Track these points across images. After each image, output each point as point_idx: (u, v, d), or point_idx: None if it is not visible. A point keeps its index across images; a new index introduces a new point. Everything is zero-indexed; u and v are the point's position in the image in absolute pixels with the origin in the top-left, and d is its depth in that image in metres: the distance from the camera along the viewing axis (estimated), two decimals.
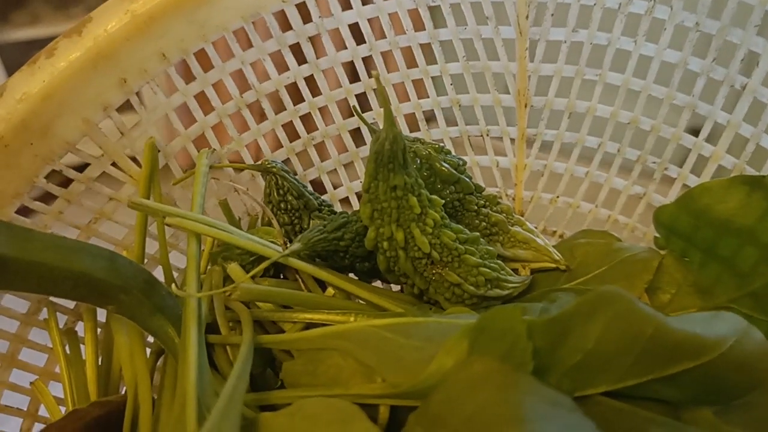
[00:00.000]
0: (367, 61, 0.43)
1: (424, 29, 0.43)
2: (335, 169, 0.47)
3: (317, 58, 0.42)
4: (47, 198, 0.37)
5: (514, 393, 0.23)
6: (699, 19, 0.37)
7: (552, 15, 0.41)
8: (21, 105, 0.34)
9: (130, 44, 0.36)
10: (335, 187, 0.47)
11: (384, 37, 0.43)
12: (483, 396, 0.23)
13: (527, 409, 0.22)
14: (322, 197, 0.43)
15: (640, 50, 0.40)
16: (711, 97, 0.39)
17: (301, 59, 0.42)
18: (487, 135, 0.46)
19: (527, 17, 0.41)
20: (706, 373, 0.25)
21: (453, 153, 0.41)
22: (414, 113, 0.46)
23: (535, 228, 0.42)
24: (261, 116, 0.43)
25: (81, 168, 0.38)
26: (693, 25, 0.37)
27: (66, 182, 0.37)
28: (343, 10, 0.41)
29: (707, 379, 0.25)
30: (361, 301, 0.37)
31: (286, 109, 0.44)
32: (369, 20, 0.42)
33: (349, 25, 0.42)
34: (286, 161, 0.44)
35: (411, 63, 0.44)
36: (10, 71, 1.40)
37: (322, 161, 0.46)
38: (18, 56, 1.52)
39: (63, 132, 0.36)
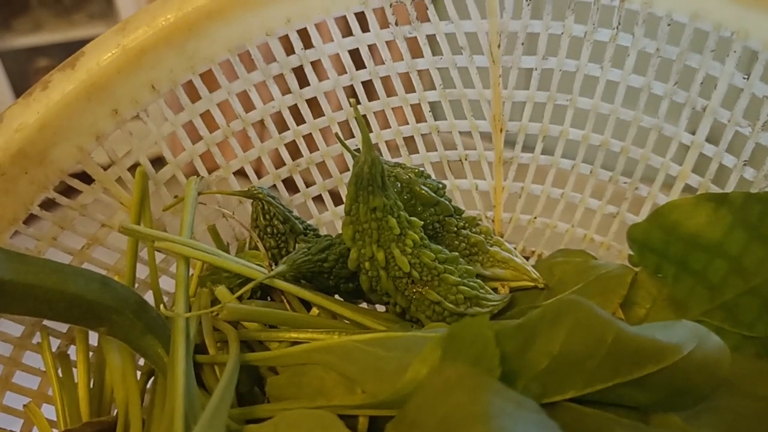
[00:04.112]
0: (349, 90, 0.45)
1: (402, 59, 0.45)
2: (320, 195, 0.48)
3: (300, 88, 0.44)
4: (42, 223, 0.39)
5: (483, 394, 0.23)
6: (659, 45, 0.39)
7: (522, 44, 0.43)
8: (18, 135, 0.35)
9: (121, 77, 0.38)
10: (320, 212, 0.49)
11: (364, 67, 0.45)
12: (454, 399, 0.24)
13: (494, 408, 0.23)
14: (308, 222, 0.45)
15: (606, 76, 0.42)
16: (675, 118, 0.41)
17: (285, 89, 0.44)
18: (466, 159, 0.48)
19: (499, 46, 0.43)
20: (669, 376, 0.26)
21: (433, 177, 0.42)
22: (395, 139, 0.47)
23: (515, 248, 0.43)
24: (247, 144, 0.45)
25: (74, 193, 0.39)
26: (654, 51, 0.39)
27: (59, 208, 0.39)
28: (325, 42, 0.43)
29: (671, 382, 0.26)
30: (345, 321, 0.38)
31: (271, 137, 0.45)
32: (349, 51, 0.44)
33: (331, 57, 0.44)
34: (273, 187, 0.46)
35: (390, 91, 0.46)
36: (12, 78, 1.42)
37: (307, 187, 0.48)
38: (20, 63, 1.53)
39: (58, 160, 0.37)
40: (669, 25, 0.38)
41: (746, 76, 0.37)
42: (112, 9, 1.55)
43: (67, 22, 1.63)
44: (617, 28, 0.40)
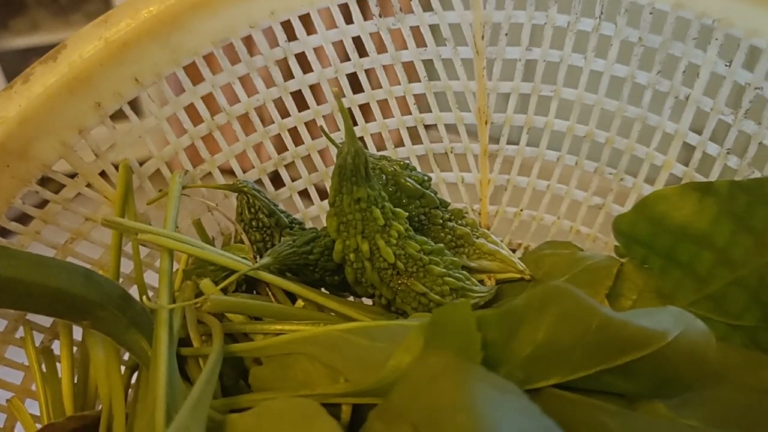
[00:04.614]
0: (334, 82, 0.45)
1: (387, 51, 0.44)
2: (306, 189, 0.48)
3: (285, 81, 0.44)
4: (24, 218, 0.38)
5: (466, 382, 0.23)
6: (642, 35, 0.39)
7: (506, 35, 0.43)
8: None
9: (104, 69, 0.37)
10: (306, 207, 0.49)
11: (348, 59, 0.45)
12: (437, 387, 0.24)
13: (478, 395, 0.23)
14: (294, 215, 0.45)
15: (590, 66, 0.42)
16: (659, 108, 0.41)
17: (270, 82, 0.44)
18: (452, 152, 0.48)
19: (483, 37, 0.43)
20: (654, 363, 0.26)
21: (419, 170, 0.42)
22: (380, 132, 0.47)
23: (501, 241, 0.43)
24: (233, 138, 0.45)
25: (57, 188, 0.39)
26: (637, 40, 0.39)
27: (42, 203, 0.39)
28: (309, 34, 0.43)
29: (656, 369, 0.26)
30: (331, 313, 0.38)
31: (256, 131, 0.45)
32: (333, 44, 0.44)
33: (315, 49, 0.43)
34: (258, 181, 0.46)
35: (375, 84, 0.46)
36: (10, 78, 1.41)
37: (293, 181, 0.48)
38: (17, 63, 1.52)
39: (39, 154, 0.37)
40: (651, 14, 0.38)
41: (728, 64, 0.37)
42: (108, 10, 1.53)
43: (64, 23, 1.62)
44: (600, 17, 0.40)
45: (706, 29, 0.37)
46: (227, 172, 0.46)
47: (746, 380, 0.29)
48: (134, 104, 0.40)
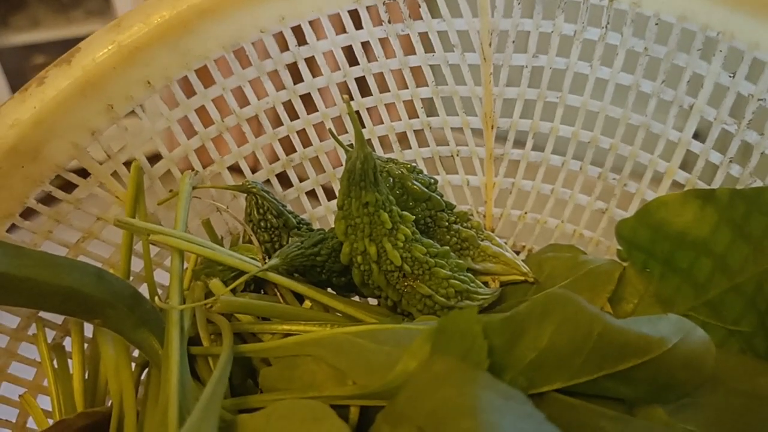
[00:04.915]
0: (342, 86, 0.46)
1: (395, 57, 0.45)
2: (313, 190, 0.49)
3: (294, 84, 0.45)
4: (37, 217, 0.39)
5: (471, 388, 0.24)
6: (647, 45, 0.40)
7: (513, 42, 0.43)
8: (12, 130, 0.35)
9: (116, 73, 0.38)
10: (314, 207, 0.49)
11: (357, 63, 0.45)
12: (443, 392, 0.24)
13: (482, 401, 0.23)
14: (301, 216, 0.45)
15: (596, 74, 0.42)
16: (663, 116, 0.42)
17: (280, 85, 0.44)
18: (457, 155, 0.48)
19: (490, 44, 0.43)
20: (654, 370, 0.26)
21: (425, 172, 0.43)
22: (387, 135, 0.48)
23: (505, 243, 0.44)
24: (242, 139, 0.46)
25: (69, 187, 0.40)
26: (642, 50, 0.40)
27: (55, 202, 0.39)
28: (319, 39, 0.43)
29: (656, 376, 0.27)
30: (338, 314, 0.39)
31: (266, 133, 0.46)
32: (343, 48, 0.44)
33: (324, 53, 0.44)
34: (267, 182, 0.46)
35: (383, 88, 0.46)
36: (10, 75, 1.41)
37: (300, 182, 0.48)
38: (18, 60, 1.53)
39: (52, 156, 0.37)
40: (657, 24, 0.39)
41: (732, 75, 0.38)
42: (109, 6, 1.54)
43: (65, 19, 1.62)
44: (606, 27, 0.40)
45: (711, 41, 0.37)
46: (236, 171, 0.46)
47: (743, 386, 0.29)
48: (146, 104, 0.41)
